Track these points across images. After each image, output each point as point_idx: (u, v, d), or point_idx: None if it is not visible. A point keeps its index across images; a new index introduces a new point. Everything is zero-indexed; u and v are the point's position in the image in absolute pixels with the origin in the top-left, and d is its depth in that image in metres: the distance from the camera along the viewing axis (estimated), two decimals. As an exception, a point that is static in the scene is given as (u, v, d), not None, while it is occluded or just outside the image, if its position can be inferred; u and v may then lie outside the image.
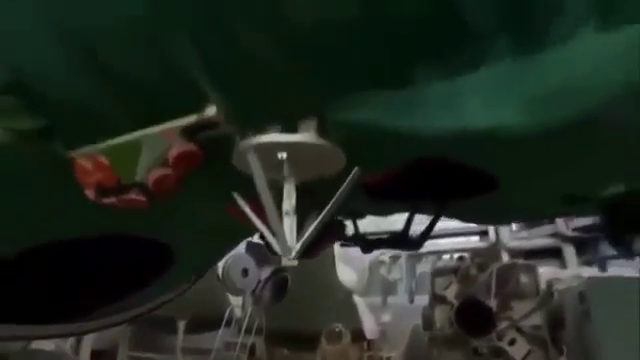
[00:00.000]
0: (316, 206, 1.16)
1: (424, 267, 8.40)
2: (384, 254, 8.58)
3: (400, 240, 1.59)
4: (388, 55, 0.83)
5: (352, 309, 6.08)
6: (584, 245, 8.48)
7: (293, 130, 1.02)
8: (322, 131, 0.99)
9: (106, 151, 1.20)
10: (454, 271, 5.01)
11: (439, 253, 8.13)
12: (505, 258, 7.55)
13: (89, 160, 1.20)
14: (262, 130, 1.05)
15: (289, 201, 0.99)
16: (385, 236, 1.60)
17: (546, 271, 6.47)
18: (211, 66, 0.97)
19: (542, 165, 0.97)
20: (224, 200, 1.27)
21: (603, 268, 6.46)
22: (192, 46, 0.94)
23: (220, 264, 5.52)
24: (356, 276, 7.38)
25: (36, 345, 4.28)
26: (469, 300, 3.94)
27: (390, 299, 8.35)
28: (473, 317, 3.84)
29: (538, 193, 1.20)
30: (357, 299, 6.38)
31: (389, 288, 8.63)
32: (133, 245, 1.94)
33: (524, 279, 4.86)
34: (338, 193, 1.00)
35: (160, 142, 1.13)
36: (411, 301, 7.96)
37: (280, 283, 5.97)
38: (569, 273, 7.23)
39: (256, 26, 0.84)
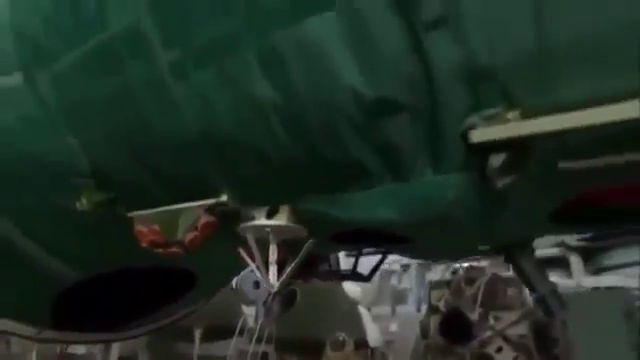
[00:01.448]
0: (293, 251, 1.85)
1: (434, 276, 8.89)
2: (395, 263, 9.09)
3: (353, 275, 2.28)
4: (329, 179, 1.51)
5: (356, 319, 6.71)
6: (592, 254, 8.90)
7: (276, 209, 1.71)
8: (294, 212, 1.67)
9: (156, 219, 1.89)
10: (448, 284, 5.63)
11: (449, 262, 8.61)
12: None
13: (145, 225, 1.91)
14: (257, 209, 1.74)
15: (273, 256, 1.67)
16: (343, 272, 2.27)
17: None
18: (225, 175, 1.66)
19: (424, 236, 1.63)
20: (232, 249, 1.96)
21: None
22: (215, 167, 1.64)
23: (234, 277, 6.20)
24: (362, 287, 7.98)
25: (70, 349, 5.06)
26: (452, 311, 4.55)
27: (399, 308, 8.91)
28: (455, 327, 4.44)
29: (441, 245, 1.86)
30: (362, 309, 7.01)
31: (399, 297, 9.18)
32: (164, 271, 2.65)
33: (511, 291, 5.44)
34: (300, 255, 1.68)
35: (193, 214, 1.82)
36: (418, 310, 8.51)
37: (289, 295, 6.64)
38: (573, 282, 7.69)
39: (254, 163, 1.54)
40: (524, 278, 1.95)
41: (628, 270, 7.57)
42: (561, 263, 9.04)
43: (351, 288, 7.30)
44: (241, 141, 1.51)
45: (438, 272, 8.82)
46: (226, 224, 1.81)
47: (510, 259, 1.96)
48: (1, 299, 2.58)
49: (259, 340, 6.42)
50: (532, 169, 1.27)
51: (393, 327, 8.42)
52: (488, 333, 4.88)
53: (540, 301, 1.91)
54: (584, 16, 1.07)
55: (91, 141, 1.90)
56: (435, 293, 5.56)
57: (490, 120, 1.20)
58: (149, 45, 1.54)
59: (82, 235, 2.20)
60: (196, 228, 1.82)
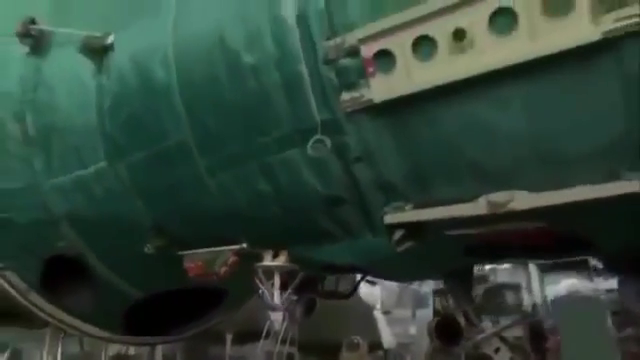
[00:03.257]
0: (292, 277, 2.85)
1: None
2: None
3: (336, 294, 3.26)
4: (310, 237, 2.51)
5: (372, 323, 7.67)
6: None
7: (278, 253, 2.72)
8: (289, 255, 2.67)
9: (200, 258, 2.93)
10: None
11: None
12: (534, 272, 8.74)
13: (192, 262, 2.94)
14: (265, 252, 2.74)
15: (277, 284, 2.67)
16: (330, 292, 3.27)
17: (569, 283, 7.68)
18: (244, 232, 2.67)
19: (375, 270, 2.59)
20: (250, 276, 2.98)
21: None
22: (237, 228, 2.65)
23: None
24: (385, 292, 8.89)
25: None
26: (446, 316, 5.44)
27: (419, 312, 9.78)
28: (448, 330, 5.33)
29: (392, 275, 2.81)
30: (377, 314, 7.96)
31: (419, 301, 10.05)
32: (202, 289, 3.70)
33: (510, 298, 6.27)
34: (294, 282, 2.67)
35: (224, 255, 2.85)
36: (435, 314, 9.35)
37: (310, 302, 7.66)
38: (592, 285, 8.35)
39: (262, 226, 2.55)
40: (454, 296, 2.87)
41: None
42: (581, 266, 9.66)
43: (368, 295, 8.26)
44: (253, 215, 2.53)
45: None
46: (246, 261, 2.83)
47: (446, 282, 2.90)
48: (85, 311, 3.71)
49: (283, 342, 7.47)
50: (428, 237, 2.20)
51: (412, 330, 9.30)
52: (482, 335, 5.74)
53: (465, 314, 2.83)
54: (436, 153, 2.00)
55: (153, 206, 2.96)
56: (438, 299, 6.44)
57: (395, 210, 2.16)
58: (192, 154, 2.57)
59: (146, 267, 3.27)
60: (227, 264, 2.85)
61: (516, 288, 6.37)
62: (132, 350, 6.32)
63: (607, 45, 1.57)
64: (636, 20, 1.51)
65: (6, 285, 3.36)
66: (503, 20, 1.68)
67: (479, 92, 1.79)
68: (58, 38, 3.21)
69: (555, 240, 2.32)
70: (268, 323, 7.96)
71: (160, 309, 3.96)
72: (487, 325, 6.12)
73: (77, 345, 4.80)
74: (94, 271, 3.38)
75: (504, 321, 6.07)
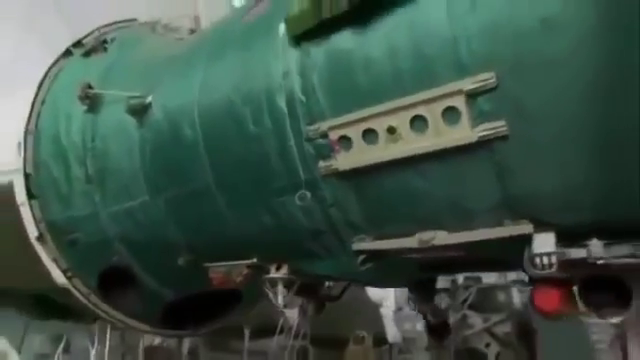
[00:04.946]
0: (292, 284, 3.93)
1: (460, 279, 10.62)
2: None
3: (329, 297, 4.32)
4: (305, 256, 3.57)
5: (378, 318, 8.71)
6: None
7: (281, 266, 3.79)
8: (289, 268, 3.73)
9: (221, 270, 4.01)
10: (447, 289, 7.48)
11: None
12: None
13: (215, 273, 4.03)
14: (271, 265, 3.81)
15: (280, 290, 3.73)
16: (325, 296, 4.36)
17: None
18: (254, 250, 3.74)
19: (354, 280, 3.62)
20: (260, 284, 4.06)
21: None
22: (249, 248, 3.71)
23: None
24: (395, 292, 9.92)
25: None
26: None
27: (428, 309, 10.77)
28: (437, 327, 6.32)
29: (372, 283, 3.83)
30: (383, 310, 9.00)
31: (430, 299, 11.04)
32: (221, 293, 4.81)
33: (501, 297, 7.21)
34: (294, 288, 3.74)
35: (240, 268, 3.93)
36: (443, 311, 10.31)
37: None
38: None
39: (269, 248, 3.63)
40: (419, 301, 3.89)
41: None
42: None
43: (375, 292, 9.30)
44: (260, 240, 3.59)
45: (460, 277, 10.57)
46: (256, 272, 3.90)
47: (410, 290, 3.92)
48: (132, 309, 4.88)
49: (296, 337, 8.60)
50: (385, 259, 3.22)
51: (419, 326, 10.32)
52: (471, 331, 6.72)
53: (425, 315, 3.85)
54: (382, 206, 3.01)
55: (185, 231, 4.07)
56: (436, 297, 7.43)
57: (359, 240, 3.18)
58: (213, 193, 3.63)
59: (179, 275, 4.39)
60: (242, 275, 3.92)
61: (507, 288, 7.29)
62: (165, 342, 7.58)
63: (483, 144, 2.54)
64: (497, 130, 2.48)
65: (73, 289, 4.55)
66: (419, 123, 2.67)
67: (409, 168, 2.79)
68: (107, 98, 4.32)
69: (480, 259, 3.31)
70: (282, 319, 9.14)
71: (189, 307, 5.11)
72: (477, 322, 7.10)
73: (118, 337, 6.02)
74: (139, 278, 4.53)
75: (495, 318, 7.03)
